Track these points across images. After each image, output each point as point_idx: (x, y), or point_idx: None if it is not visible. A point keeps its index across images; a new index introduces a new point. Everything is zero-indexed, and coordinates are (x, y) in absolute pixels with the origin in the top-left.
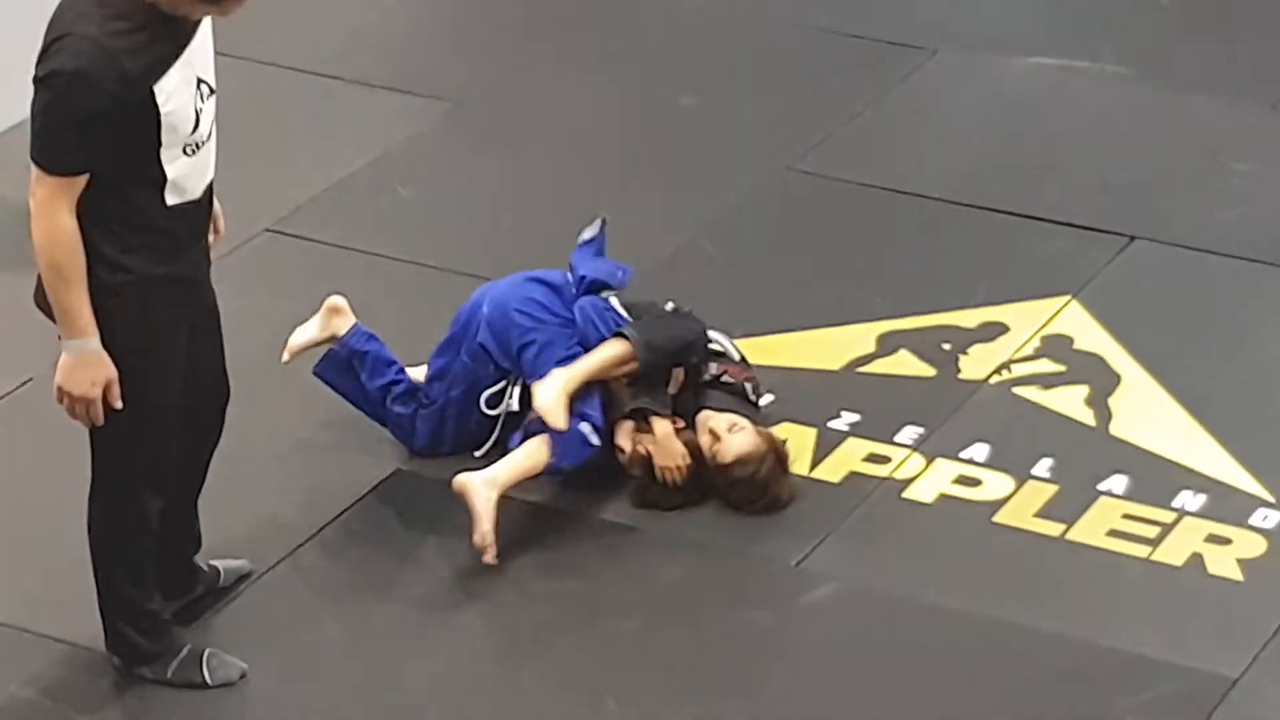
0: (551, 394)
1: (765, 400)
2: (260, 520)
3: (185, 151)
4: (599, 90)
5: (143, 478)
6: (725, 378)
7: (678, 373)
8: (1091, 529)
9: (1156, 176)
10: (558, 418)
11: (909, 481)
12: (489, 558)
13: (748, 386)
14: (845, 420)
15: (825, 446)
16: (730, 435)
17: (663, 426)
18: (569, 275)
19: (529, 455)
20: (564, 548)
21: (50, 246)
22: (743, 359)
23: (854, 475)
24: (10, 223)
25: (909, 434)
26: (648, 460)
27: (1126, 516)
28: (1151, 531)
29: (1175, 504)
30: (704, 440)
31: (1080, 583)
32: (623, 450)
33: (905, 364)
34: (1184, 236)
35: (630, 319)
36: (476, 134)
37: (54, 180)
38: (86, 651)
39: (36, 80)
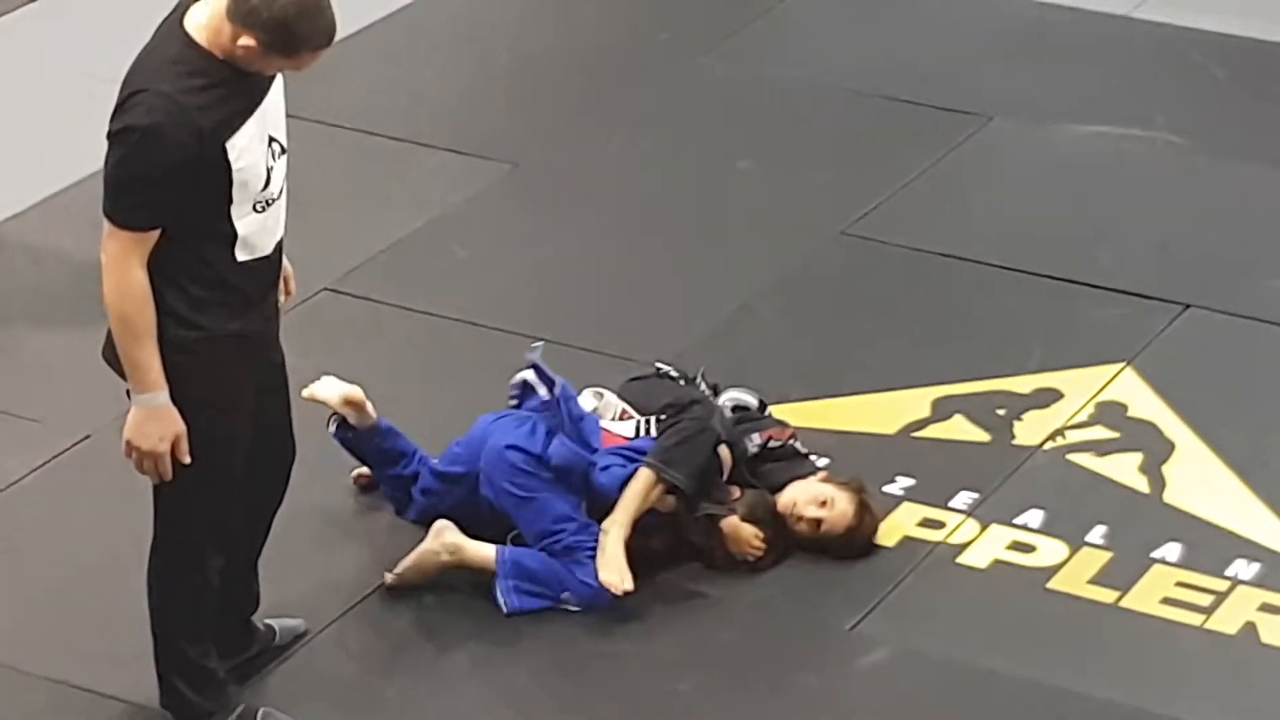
0: (612, 560)
1: (821, 462)
2: (315, 579)
3: (256, 208)
4: (655, 153)
5: (205, 535)
6: (771, 443)
7: (724, 456)
8: (1145, 596)
9: (1211, 245)
10: (622, 581)
11: (963, 547)
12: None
13: (796, 445)
14: (900, 485)
15: (880, 511)
16: (827, 511)
17: (729, 523)
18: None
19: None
20: (618, 608)
21: (121, 301)
22: (765, 410)
23: (908, 540)
24: (70, 279)
25: (963, 499)
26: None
27: (1180, 584)
28: (1205, 600)
29: (1229, 572)
30: (801, 528)
31: (1134, 650)
32: (711, 550)
33: (960, 429)
34: (1239, 305)
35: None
36: (533, 196)
37: (126, 235)
38: (142, 709)
39: (110, 135)
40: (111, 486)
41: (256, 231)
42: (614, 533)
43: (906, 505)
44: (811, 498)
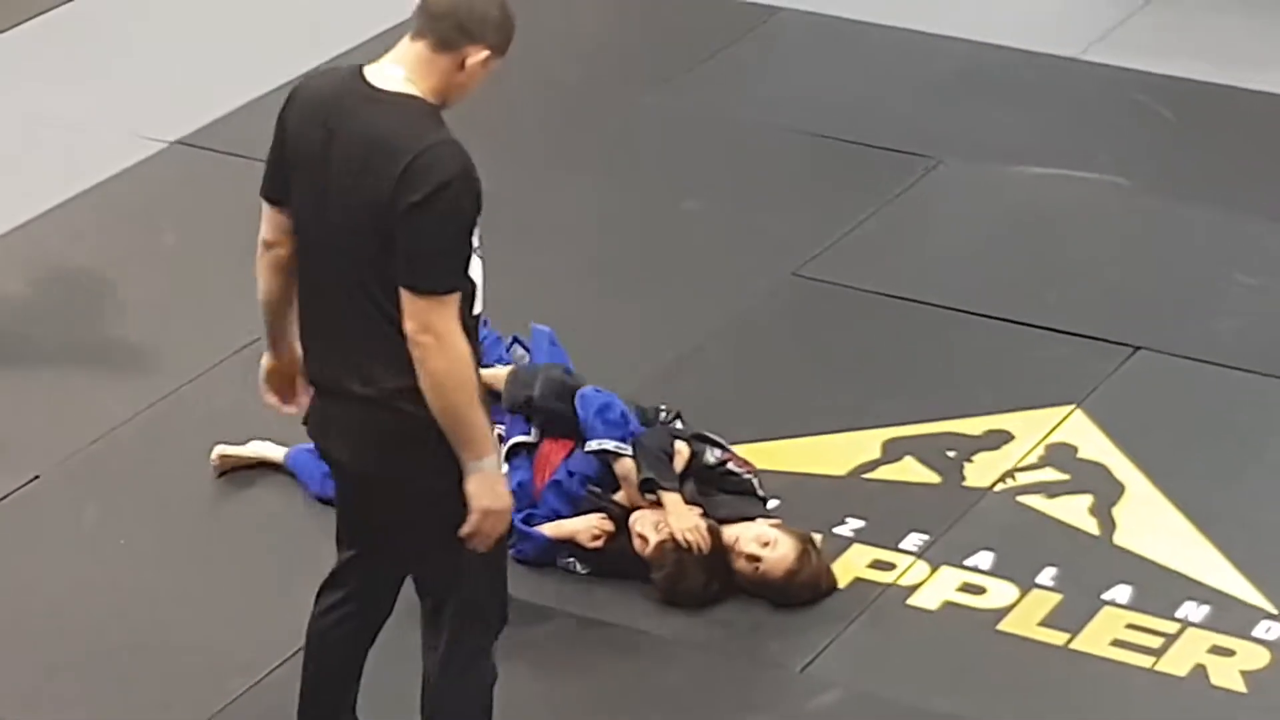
0: None
1: (773, 504)
2: (268, 619)
3: (478, 254)
4: (603, 194)
5: (496, 626)
6: (731, 466)
7: (681, 449)
8: (1095, 639)
9: (1160, 287)
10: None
11: (913, 588)
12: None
13: (755, 481)
14: (850, 526)
15: (830, 553)
16: (768, 551)
17: (671, 498)
18: None
19: None
20: (566, 649)
21: (459, 368)
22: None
23: (859, 581)
24: (12, 321)
25: (914, 541)
26: (674, 545)
27: (1130, 626)
28: (1155, 642)
29: (1179, 614)
30: (740, 565)
31: (1084, 692)
32: (645, 538)
33: (910, 471)
34: (1187, 347)
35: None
36: (478, 237)
37: (450, 300)
38: None
39: (417, 204)
40: (60, 528)
41: (480, 280)
42: None
43: (857, 547)
44: (755, 536)
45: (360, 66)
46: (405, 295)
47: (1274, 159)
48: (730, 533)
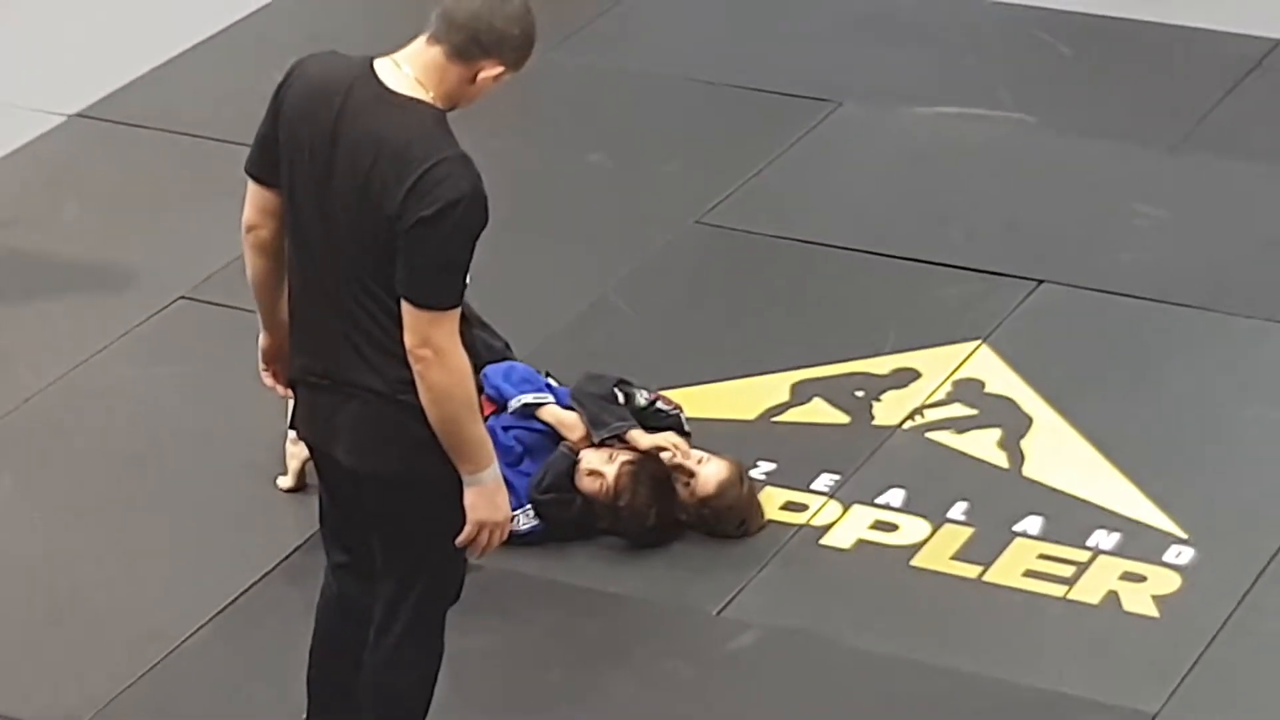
0: None
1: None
2: (183, 585)
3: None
4: (505, 150)
5: (453, 602)
6: (660, 404)
7: (616, 392)
8: (1008, 570)
9: (1062, 221)
10: None
11: (826, 528)
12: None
13: (681, 416)
14: (762, 469)
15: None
16: (702, 467)
17: (635, 433)
18: None
19: None
20: (482, 601)
21: (460, 384)
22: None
23: (771, 523)
24: None
25: (825, 481)
26: (632, 468)
27: (1042, 556)
28: (1067, 571)
29: (1090, 543)
30: (676, 474)
31: (998, 623)
32: (599, 473)
33: (819, 412)
34: (1090, 279)
35: None
36: None
37: (450, 315)
38: None
39: (425, 219)
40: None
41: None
42: None
43: (769, 489)
44: (692, 453)
45: (370, 60)
46: (405, 307)
47: (1171, 91)
48: (667, 453)
